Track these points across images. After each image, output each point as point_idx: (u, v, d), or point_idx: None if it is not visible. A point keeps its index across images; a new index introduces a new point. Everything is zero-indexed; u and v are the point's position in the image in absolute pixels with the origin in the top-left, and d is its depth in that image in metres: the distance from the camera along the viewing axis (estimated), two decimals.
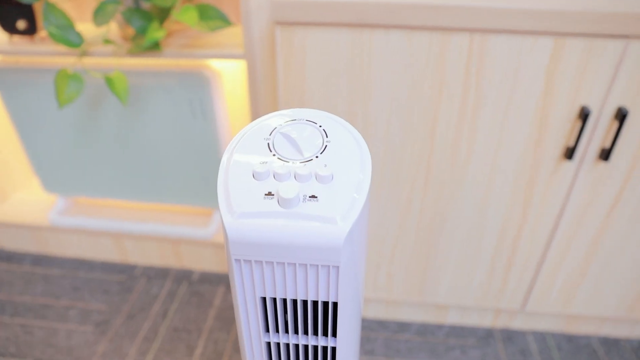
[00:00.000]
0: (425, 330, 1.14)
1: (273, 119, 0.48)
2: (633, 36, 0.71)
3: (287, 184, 0.40)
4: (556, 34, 0.72)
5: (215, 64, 1.07)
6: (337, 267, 0.40)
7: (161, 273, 1.30)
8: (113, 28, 1.06)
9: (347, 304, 0.43)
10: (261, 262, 0.41)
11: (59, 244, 1.34)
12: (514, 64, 0.75)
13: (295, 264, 0.40)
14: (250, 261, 0.41)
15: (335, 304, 0.43)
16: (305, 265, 0.40)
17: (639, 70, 0.74)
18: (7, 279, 1.28)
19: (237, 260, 0.41)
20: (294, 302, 0.45)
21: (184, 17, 0.88)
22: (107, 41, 0.95)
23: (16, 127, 1.17)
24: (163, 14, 0.96)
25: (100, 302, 1.22)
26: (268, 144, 0.45)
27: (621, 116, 0.76)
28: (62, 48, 1.00)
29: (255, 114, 0.98)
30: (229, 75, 1.11)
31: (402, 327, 1.15)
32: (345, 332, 0.45)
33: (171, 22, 0.98)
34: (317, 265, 0.40)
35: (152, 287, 1.26)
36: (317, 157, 0.44)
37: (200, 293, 1.24)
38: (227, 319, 1.17)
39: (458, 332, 1.14)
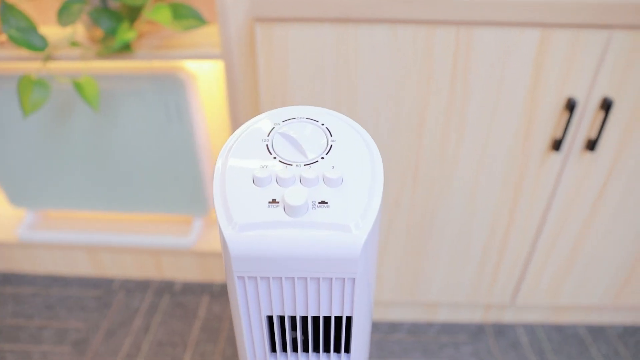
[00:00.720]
0: (416, 329, 1.13)
1: (269, 119, 0.44)
2: (616, 26, 0.71)
3: (293, 189, 0.36)
4: (542, 25, 0.71)
5: (191, 65, 1.03)
6: (353, 278, 0.36)
7: (141, 285, 1.25)
8: (80, 30, 1.00)
9: (361, 317, 0.40)
10: (268, 278, 0.37)
11: (30, 260, 1.26)
12: (501, 57, 0.74)
13: (306, 278, 0.37)
14: (255, 278, 0.37)
15: (348, 318, 0.40)
16: (318, 279, 0.37)
17: (623, 60, 0.74)
18: None
19: (241, 278, 0.37)
20: (304, 318, 0.42)
21: (157, 16, 0.83)
22: (73, 43, 0.89)
23: None
24: (133, 14, 0.91)
25: (77, 319, 1.15)
26: (267, 145, 0.41)
27: (606, 106, 0.76)
28: (24, 52, 0.94)
29: (235, 116, 0.94)
30: (205, 77, 1.07)
31: (394, 327, 1.13)
32: (358, 346, 0.42)
33: (142, 22, 0.94)
34: (331, 279, 0.37)
35: (132, 301, 1.20)
36: (322, 158, 0.40)
37: (183, 304, 1.19)
38: (213, 329, 1.13)
39: (449, 329, 1.13)
